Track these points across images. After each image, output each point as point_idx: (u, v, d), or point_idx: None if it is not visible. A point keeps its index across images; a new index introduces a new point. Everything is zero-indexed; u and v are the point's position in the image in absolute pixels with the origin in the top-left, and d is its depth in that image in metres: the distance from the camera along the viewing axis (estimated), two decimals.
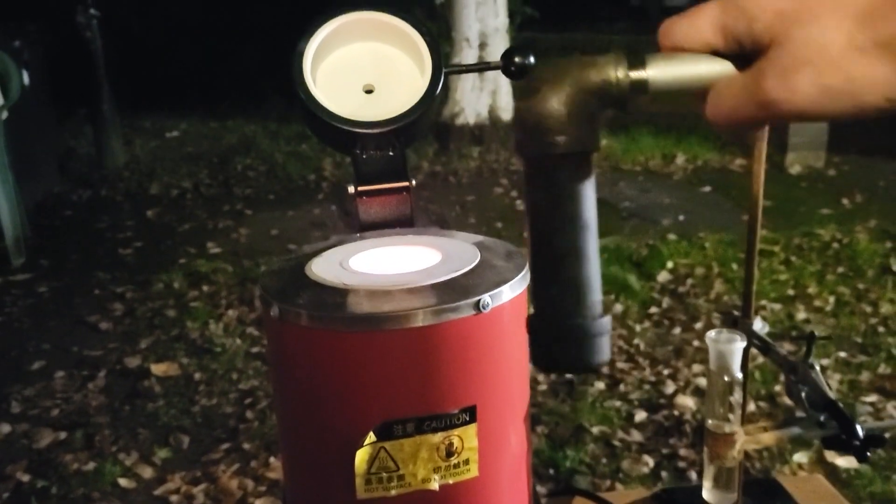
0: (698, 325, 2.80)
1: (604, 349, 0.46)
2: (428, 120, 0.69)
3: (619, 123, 5.74)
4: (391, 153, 0.71)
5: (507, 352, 0.57)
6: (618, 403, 2.31)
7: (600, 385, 2.40)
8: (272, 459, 2.09)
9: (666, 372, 2.48)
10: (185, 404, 2.40)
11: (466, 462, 0.56)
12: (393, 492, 0.55)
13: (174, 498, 1.96)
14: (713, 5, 0.38)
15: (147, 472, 2.07)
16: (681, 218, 4.10)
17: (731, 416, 0.65)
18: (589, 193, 0.44)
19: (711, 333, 0.64)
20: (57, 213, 4.58)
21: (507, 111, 6.24)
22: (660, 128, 5.64)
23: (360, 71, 0.70)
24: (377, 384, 0.53)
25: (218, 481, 2.02)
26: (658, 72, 0.40)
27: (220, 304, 3.11)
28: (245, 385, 2.49)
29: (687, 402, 2.29)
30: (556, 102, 0.42)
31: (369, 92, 0.71)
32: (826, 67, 0.34)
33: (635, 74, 0.40)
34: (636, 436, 2.15)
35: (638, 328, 2.78)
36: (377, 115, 0.67)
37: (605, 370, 2.49)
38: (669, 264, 3.32)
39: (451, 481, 0.55)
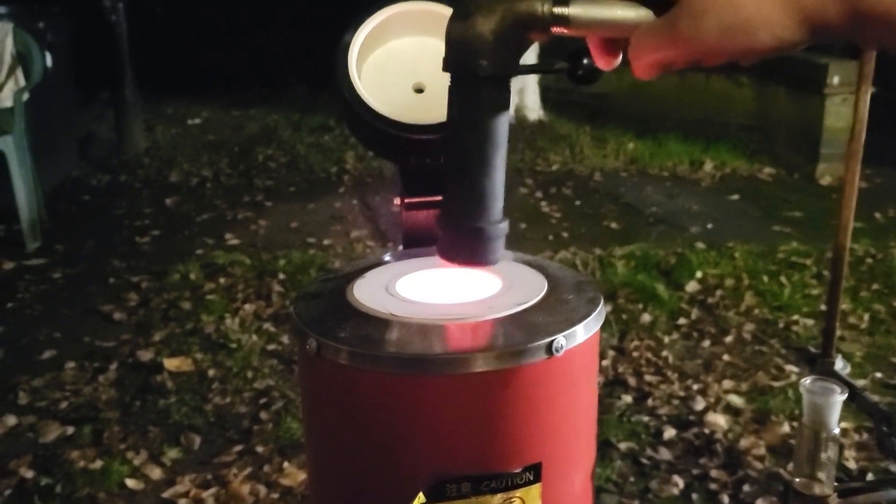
0: (728, 339, 2.71)
1: (497, 251, 0.48)
2: None
3: (646, 128, 5.64)
4: (441, 161, 0.63)
5: (578, 402, 0.49)
6: (646, 419, 2.22)
7: (628, 398, 2.31)
8: (286, 465, 2.02)
9: (696, 387, 2.38)
10: (198, 402, 2.33)
11: None
12: None
13: (182, 502, 1.89)
14: None
15: (156, 473, 2.00)
16: (709, 226, 3.99)
17: (821, 475, 0.57)
18: (504, 114, 0.47)
19: (806, 382, 0.56)
20: (75, 197, 4.54)
21: (534, 111, 6.15)
22: (688, 133, 5.53)
23: (411, 68, 0.62)
24: (429, 436, 0.45)
25: (229, 486, 1.95)
26: (579, 10, 0.43)
27: (236, 298, 3.04)
28: (260, 384, 2.42)
29: (718, 420, 2.20)
30: (485, 29, 0.44)
31: (419, 91, 0.63)
32: (727, 9, 0.38)
33: (558, 10, 0.43)
34: (665, 454, 2.06)
35: (666, 340, 2.68)
36: (428, 117, 0.59)
37: (633, 383, 2.40)
38: (698, 274, 3.23)
39: None
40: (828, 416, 0.55)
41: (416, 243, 0.58)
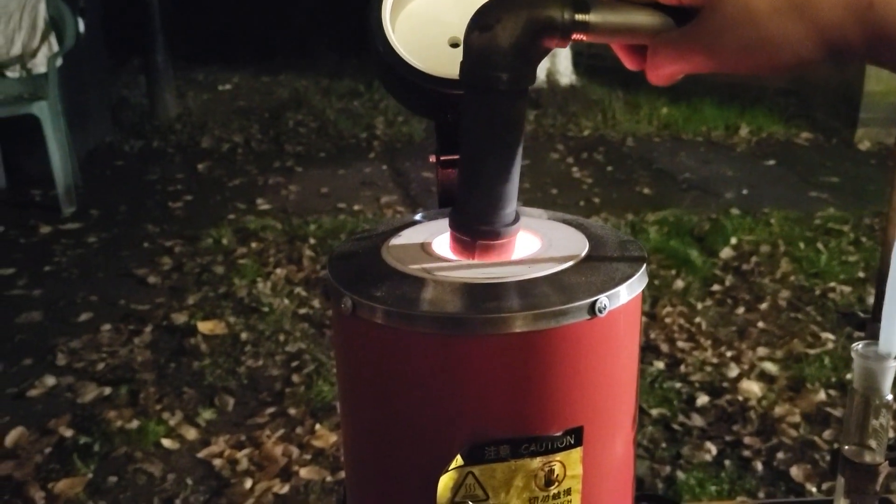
0: (763, 306, 2.67)
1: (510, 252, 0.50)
2: None
3: (680, 91, 5.53)
4: None
5: (621, 365, 0.48)
6: (678, 385, 2.20)
7: (660, 365, 2.29)
8: (318, 427, 2.03)
9: (729, 354, 2.36)
10: (231, 364, 2.35)
11: (568, 492, 0.47)
12: None
13: (217, 462, 1.92)
14: None
15: (191, 434, 2.03)
16: (744, 192, 3.93)
17: (872, 443, 0.55)
18: (522, 123, 0.47)
19: (858, 346, 0.54)
20: (108, 162, 4.57)
21: (565, 76, 6.06)
22: (723, 97, 5.42)
23: (446, 22, 0.60)
24: (467, 398, 0.44)
25: (262, 447, 1.97)
26: (599, 17, 0.43)
27: (268, 263, 3.06)
28: (292, 347, 2.43)
29: (752, 387, 2.17)
30: (505, 40, 0.43)
31: (455, 46, 0.61)
32: (748, 27, 0.38)
33: (580, 17, 0.43)
34: (697, 420, 2.05)
35: (699, 306, 2.65)
36: None
37: (665, 349, 2.38)
38: (733, 240, 3.18)
39: None
40: (880, 381, 0.53)
41: (452, 202, 0.57)
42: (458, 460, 0.44)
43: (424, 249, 0.51)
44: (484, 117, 0.46)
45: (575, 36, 0.43)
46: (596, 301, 0.44)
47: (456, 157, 0.60)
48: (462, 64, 0.46)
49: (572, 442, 0.46)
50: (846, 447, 0.56)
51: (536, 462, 0.45)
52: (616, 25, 0.43)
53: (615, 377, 0.47)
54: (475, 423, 0.44)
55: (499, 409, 0.44)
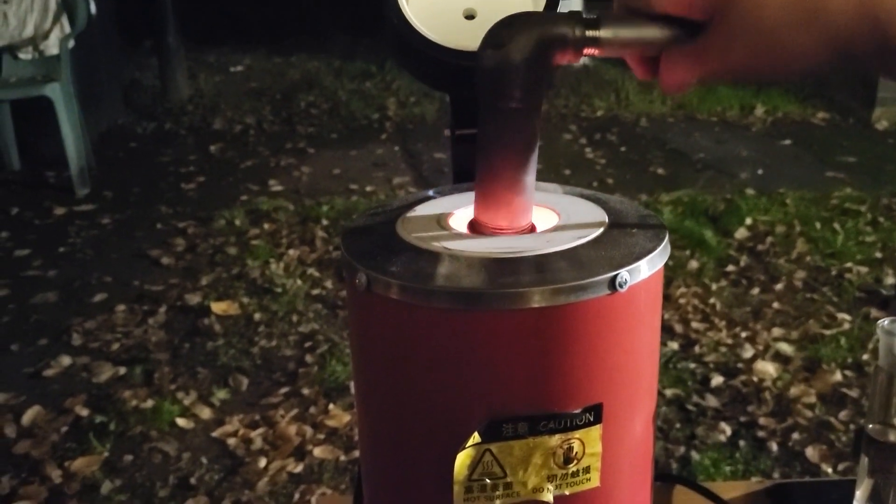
0: (778, 287, 2.65)
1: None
2: None
3: None
4: None
5: (641, 339, 0.47)
6: (692, 366, 2.19)
7: (674, 345, 2.28)
8: (332, 407, 2.04)
9: (744, 335, 2.34)
10: (245, 345, 2.36)
11: (587, 470, 0.46)
12: (498, 502, 0.45)
13: (231, 441, 1.93)
14: None
15: (205, 413, 2.04)
16: (759, 172, 3.89)
17: None
18: (536, 137, 0.47)
19: (884, 323, 0.53)
20: (121, 144, 4.58)
21: None
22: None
23: None
24: (484, 375, 0.43)
25: (276, 426, 1.98)
26: (610, 32, 0.43)
27: (280, 244, 3.06)
28: (305, 328, 2.44)
29: (767, 368, 2.16)
30: (518, 58, 0.43)
31: (470, 18, 0.60)
32: (760, 35, 0.38)
33: (591, 33, 0.43)
34: (712, 401, 2.04)
35: (714, 287, 2.64)
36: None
37: (679, 329, 2.37)
38: (748, 220, 3.15)
39: (566, 492, 0.46)
40: None
41: (466, 177, 0.56)
42: (476, 438, 0.44)
43: (440, 224, 0.50)
44: (498, 133, 0.46)
45: (587, 51, 0.44)
46: (616, 276, 0.43)
47: (471, 131, 0.59)
48: (476, 82, 0.46)
49: (591, 419, 0.45)
50: (870, 426, 0.55)
51: (555, 439, 0.44)
52: (626, 40, 0.44)
53: (635, 354, 0.46)
54: (492, 400, 0.44)
55: (517, 386, 0.44)
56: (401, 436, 0.48)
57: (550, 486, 0.45)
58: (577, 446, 0.45)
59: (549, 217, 0.51)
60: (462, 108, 0.58)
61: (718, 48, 0.40)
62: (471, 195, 0.52)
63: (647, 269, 0.45)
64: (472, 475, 0.45)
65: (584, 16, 0.44)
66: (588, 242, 0.46)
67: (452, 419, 0.44)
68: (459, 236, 0.48)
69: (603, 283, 0.42)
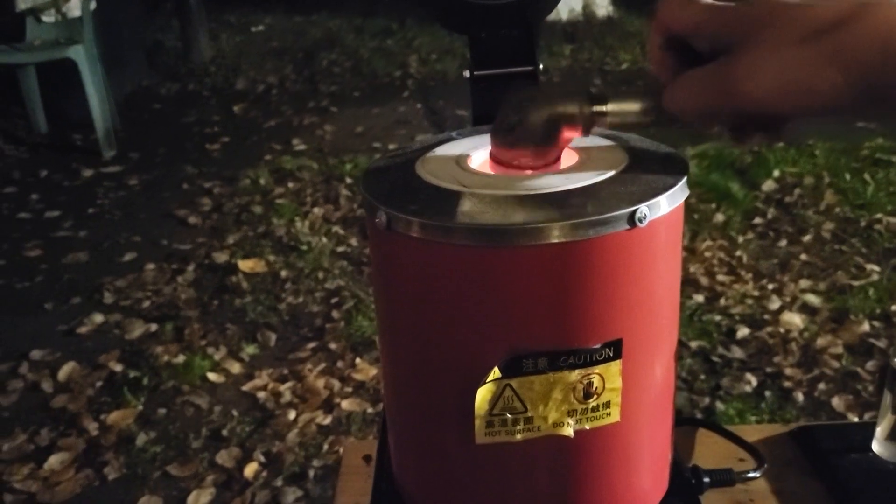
0: (806, 238, 2.62)
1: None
2: None
3: None
4: (516, 31, 0.59)
5: (661, 276, 0.47)
6: (718, 318, 2.18)
7: (699, 298, 2.27)
8: (358, 360, 2.07)
9: (771, 287, 2.33)
10: (272, 301, 2.39)
11: (607, 405, 0.46)
12: (518, 436, 0.46)
13: (261, 395, 1.97)
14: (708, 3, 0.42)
15: (235, 368, 2.08)
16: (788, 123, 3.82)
17: None
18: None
19: None
20: (146, 106, 4.60)
21: (602, 6, 5.91)
22: None
23: None
24: (505, 311, 0.44)
25: (304, 380, 2.01)
26: (615, 106, 0.45)
27: (305, 202, 3.07)
28: (331, 285, 2.46)
29: (794, 319, 2.15)
30: (528, 139, 0.46)
31: None
32: (786, 69, 0.37)
33: (597, 108, 0.45)
34: (737, 352, 2.04)
35: (740, 239, 2.61)
36: None
37: (705, 283, 2.35)
38: (776, 173, 3.11)
39: (587, 427, 0.46)
40: None
41: (486, 119, 0.56)
42: (496, 372, 0.44)
43: (459, 164, 0.50)
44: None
45: (596, 127, 0.46)
46: (636, 211, 0.42)
47: (490, 72, 0.59)
48: (491, 155, 0.49)
49: (611, 354, 0.45)
50: (895, 360, 0.55)
51: (575, 374, 0.45)
52: (629, 111, 0.45)
53: (655, 290, 0.47)
54: (513, 336, 0.44)
55: (537, 322, 0.44)
56: (423, 372, 0.49)
57: (571, 421, 0.46)
58: (596, 381, 0.45)
59: (570, 156, 0.51)
60: (481, 49, 0.58)
61: (738, 75, 0.38)
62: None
63: (667, 204, 0.45)
64: (493, 410, 0.45)
65: (593, 90, 0.46)
66: (608, 179, 0.46)
67: (473, 355, 0.45)
68: (479, 175, 0.48)
69: (622, 218, 0.42)
